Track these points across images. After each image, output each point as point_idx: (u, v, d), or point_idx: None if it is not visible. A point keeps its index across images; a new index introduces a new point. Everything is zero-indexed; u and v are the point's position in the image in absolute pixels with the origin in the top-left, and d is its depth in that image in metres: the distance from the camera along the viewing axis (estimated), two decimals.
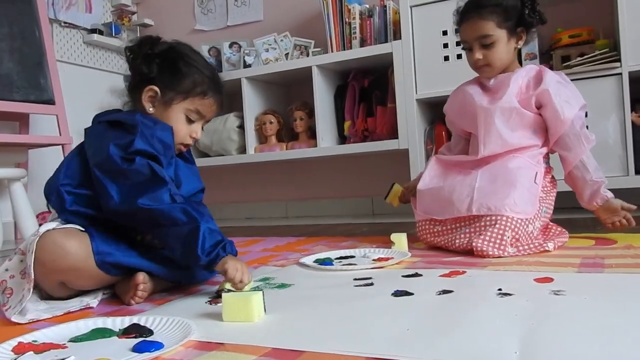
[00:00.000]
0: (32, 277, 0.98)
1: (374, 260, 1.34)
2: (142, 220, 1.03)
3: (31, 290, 0.99)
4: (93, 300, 1.07)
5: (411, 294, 0.97)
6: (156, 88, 1.14)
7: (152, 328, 0.83)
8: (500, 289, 0.96)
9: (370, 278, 1.14)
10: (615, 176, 2.05)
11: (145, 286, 1.05)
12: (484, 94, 1.49)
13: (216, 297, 1.04)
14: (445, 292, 0.97)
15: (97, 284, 1.10)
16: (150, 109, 1.15)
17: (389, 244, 1.47)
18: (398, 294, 0.98)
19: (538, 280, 1.02)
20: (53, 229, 1.03)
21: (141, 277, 1.05)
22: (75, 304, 1.06)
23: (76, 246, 1.01)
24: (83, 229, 1.06)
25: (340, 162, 2.94)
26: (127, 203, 1.01)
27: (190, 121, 1.17)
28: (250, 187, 3.23)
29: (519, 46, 1.46)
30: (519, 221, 1.32)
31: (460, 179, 1.45)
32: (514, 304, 0.86)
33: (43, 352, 0.76)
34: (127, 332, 0.82)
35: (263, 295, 0.89)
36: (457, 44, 2.29)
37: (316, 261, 1.37)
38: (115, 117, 1.13)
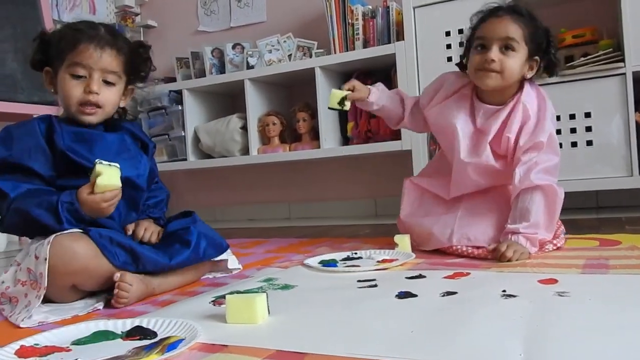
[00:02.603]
0: (45, 285, 0.98)
1: (378, 261, 1.34)
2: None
3: (41, 297, 0.99)
4: (99, 303, 1.07)
5: (415, 295, 0.97)
6: (48, 68, 1.15)
7: (155, 330, 0.83)
8: (504, 291, 0.95)
9: (374, 280, 1.13)
10: (619, 177, 2.04)
11: (124, 285, 1.05)
12: (469, 128, 1.40)
13: (220, 298, 1.04)
14: (449, 293, 0.97)
15: (107, 283, 1.09)
16: (52, 91, 1.16)
17: (392, 245, 1.47)
18: (402, 295, 0.98)
19: (542, 281, 1.02)
20: (59, 234, 1.03)
21: (128, 277, 1.06)
22: (80, 306, 1.06)
23: (84, 247, 1.03)
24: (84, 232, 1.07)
25: (343, 163, 2.94)
26: None
27: (77, 77, 1.12)
28: (253, 189, 3.23)
29: (527, 75, 1.35)
30: None
31: (441, 211, 1.47)
32: (518, 306, 0.86)
33: (47, 355, 0.76)
34: (130, 334, 0.82)
35: (267, 297, 0.89)
36: (461, 44, 2.29)
37: (320, 262, 1.37)
38: None
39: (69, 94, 1.11)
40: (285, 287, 1.13)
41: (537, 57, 1.34)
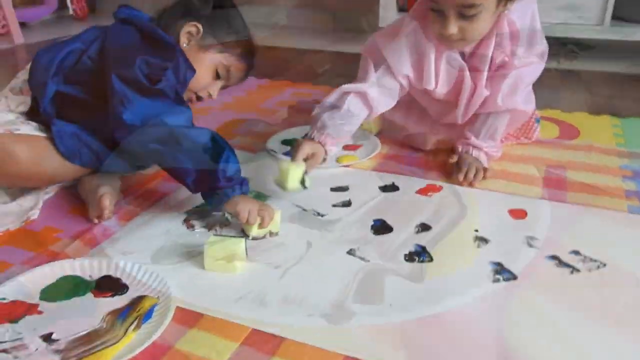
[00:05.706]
0: None
1: (340, 156, 1.27)
2: (156, 138, 0.89)
3: None
4: (33, 212, 1.00)
5: (391, 229, 0.97)
6: (200, 27, 1.04)
7: (125, 281, 0.80)
8: (476, 230, 0.96)
9: (347, 188, 1.12)
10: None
11: (110, 212, 0.99)
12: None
13: (191, 216, 1.00)
14: (424, 227, 0.98)
15: (50, 184, 1.05)
16: (184, 45, 1.04)
17: None
18: (377, 227, 0.98)
19: (512, 212, 1.03)
20: (4, 132, 0.92)
21: (107, 201, 0.98)
22: (14, 210, 1.00)
23: (26, 152, 0.93)
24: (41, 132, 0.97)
25: None
26: (147, 116, 0.89)
27: (216, 76, 1.08)
28: None
29: (506, 9, 1.05)
30: None
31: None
32: (490, 254, 0.90)
33: (18, 320, 0.72)
34: (100, 287, 0.79)
35: (245, 243, 0.87)
36: None
37: (284, 142, 1.34)
38: (152, 29, 0.98)
39: (198, 80, 1.04)
40: (259, 196, 1.08)
41: None
